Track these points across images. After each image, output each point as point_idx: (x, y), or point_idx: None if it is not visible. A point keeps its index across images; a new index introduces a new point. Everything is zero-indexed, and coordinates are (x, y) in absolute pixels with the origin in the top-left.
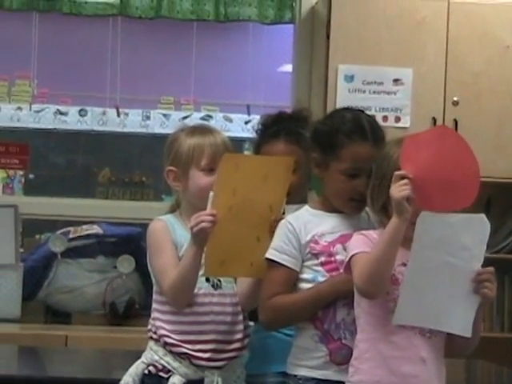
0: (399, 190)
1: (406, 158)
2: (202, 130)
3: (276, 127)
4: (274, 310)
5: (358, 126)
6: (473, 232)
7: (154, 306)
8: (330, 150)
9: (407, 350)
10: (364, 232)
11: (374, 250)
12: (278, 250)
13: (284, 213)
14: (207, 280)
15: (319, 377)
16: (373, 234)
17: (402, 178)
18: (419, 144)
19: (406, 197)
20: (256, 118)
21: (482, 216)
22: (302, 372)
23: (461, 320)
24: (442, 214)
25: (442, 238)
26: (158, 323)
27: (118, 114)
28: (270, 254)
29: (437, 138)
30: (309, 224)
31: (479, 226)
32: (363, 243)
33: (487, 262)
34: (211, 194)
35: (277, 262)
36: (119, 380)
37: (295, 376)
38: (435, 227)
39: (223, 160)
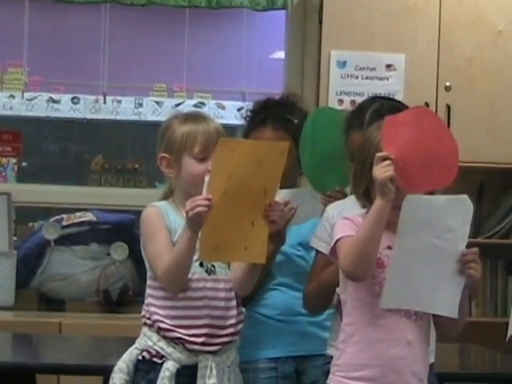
0: (383, 171)
1: (386, 139)
2: (195, 118)
3: (263, 114)
4: (306, 295)
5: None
6: (456, 213)
7: (148, 291)
8: None
9: (393, 332)
10: (349, 216)
11: (359, 232)
12: (317, 237)
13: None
14: (201, 265)
15: None
16: (357, 217)
17: (384, 159)
18: (399, 125)
19: (389, 177)
20: (248, 105)
21: (465, 197)
22: None
23: (447, 301)
24: (427, 196)
25: (427, 220)
26: (152, 309)
27: (105, 101)
28: (311, 241)
29: (416, 119)
30: (345, 211)
31: (462, 207)
32: (348, 227)
33: (480, 247)
34: (206, 178)
35: (315, 248)
36: (113, 366)
37: None
38: (420, 210)
39: (219, 144)
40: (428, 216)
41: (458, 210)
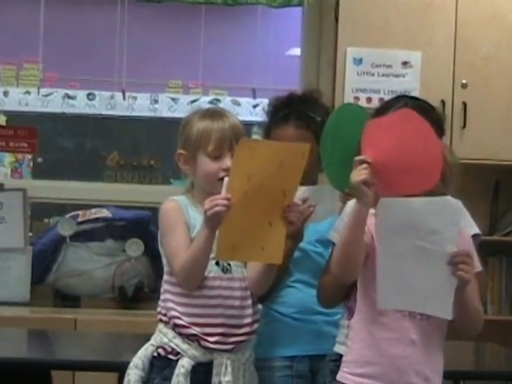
0: (357, 174)
1: (367, 143)
2: (212, 114)
3: (286, 110)
4: (321, 288)
5: None
6: (441, 215)
7: (166, 287)
8: None
9: (397, 331)
10: None
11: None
12: (335, 230)
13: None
14: (217, 264)
15: None
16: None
17: (362, 162)
18: (382, 128)
19: (362, 181)
20: (264, 102)
21: (448, 198)
22: None
23: (440, 302)
24: (402, 198)
25: (407, 222)
26: (170, 304)
27: (124, 98)
28: (330, 234)
29: (399, 122)
30: None
31: (447, 208)
32: None
33: (496, 245)
34: (226, 178)
35: (332, 241)
36: (128, 363)
37: None
38: (397, 212)
39: (240, 145)
40: (408, 218)
41: (442, 212)
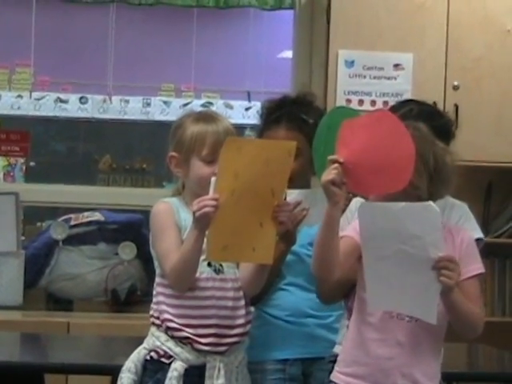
0: (326, 174)
1: (341, 143)
2: (206, 118)
3: (278, 113)
4: (318, 285)
5: None
6: (421, 220)
7: (158, 289)
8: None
9: (384, 332)
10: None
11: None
12: (341, 228)
13: (286, 198)
14: (209, 265)
15: None
16: None
17: (334, 162)
18: (356, 128)
19: (330, 181)
20: (256, 105)
21: (428, 203)
22: None
23: (425, 306)
24: (381, 203)
25: (388, 227)
26: (162, 307)
27: (111, 101)
28: None
29: (374, 122)
30: None
31: (427, 213)
32: (351, 227)
33: (489, 246)
34: (213, 178)
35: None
36: (121, 366)
37: None
38: (377, 217)
39: (225, 144)
40: (388, 223)
41: (422, 217)
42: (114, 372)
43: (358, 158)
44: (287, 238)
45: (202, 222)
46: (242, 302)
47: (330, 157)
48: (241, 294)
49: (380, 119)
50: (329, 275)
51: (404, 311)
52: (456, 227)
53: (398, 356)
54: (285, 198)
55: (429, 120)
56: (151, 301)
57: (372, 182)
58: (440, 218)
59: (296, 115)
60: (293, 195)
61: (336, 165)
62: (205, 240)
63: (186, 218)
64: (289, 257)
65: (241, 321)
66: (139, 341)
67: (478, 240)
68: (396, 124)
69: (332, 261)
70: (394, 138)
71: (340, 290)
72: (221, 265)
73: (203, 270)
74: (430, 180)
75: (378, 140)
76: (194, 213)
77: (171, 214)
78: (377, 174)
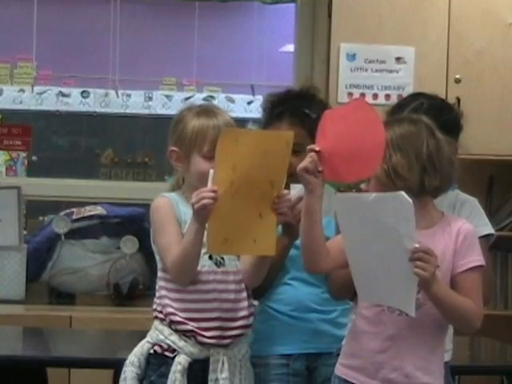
0: (302, 162)
1: (320, 132)
2: (207, 113)
3: (281, 107)
4: (333, 280)
5: None
6: (394, 211)
7: (161, 283)
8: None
9: (376, 326)
10: None
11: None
12: None
13: (290, 192)
14: (210, 258)
15: None
16: None
17: (311, 151)
18: (336, 118)
19: (304, 168)
20: (259, 99)
21: (399, 193)
22: None
23: (404, 298)
24: (355, 193)
25: (363, 217)
26: (166, 301)
27: (117, 95)
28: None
29: (352, 111)
30: None
31: (399, 204)
32: None
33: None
34: (211, 170)
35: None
36: (124, 360)
37: None
38: (351, 207)
39: (223, 135)
40: (362, 213)
41: (396, 208)
42: (116, 366)
43: (333, 147)
44: (290, 232)
45: (202, 215)
46: (244, 294)
47: (309, 146)
48: (242, 286)
49: (356, 108)
50: (316, 266)
51: (385, 303)
52: (456, 219)
53: (389, 349)
54: (289, 192)
55: (439, 114)
56: (153, 294)
57: (346, 169)
58: (413, 209)
59: (299, 110)
60: (297, 189)
61: (312, 153)
62: (205, 233)
63: (186, 212)
64: (293, 251)
65: (244, 313)
66: (142, 335)
67: (488, 236)
68: (370, 112)
69: (316, 250)
70: (367, 126)
71: (349, 287)
72: (222, 258)
73: (204, 264)
74: (424, 171)
75: (353, 129)
76: (192, 205)
77: (171, 209)
78: (350, 162)
